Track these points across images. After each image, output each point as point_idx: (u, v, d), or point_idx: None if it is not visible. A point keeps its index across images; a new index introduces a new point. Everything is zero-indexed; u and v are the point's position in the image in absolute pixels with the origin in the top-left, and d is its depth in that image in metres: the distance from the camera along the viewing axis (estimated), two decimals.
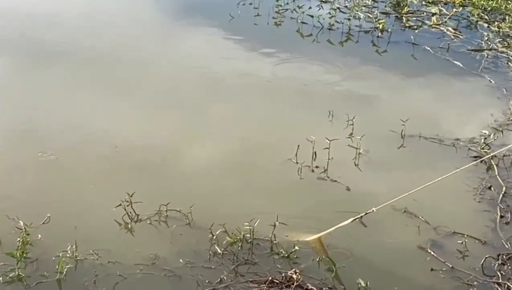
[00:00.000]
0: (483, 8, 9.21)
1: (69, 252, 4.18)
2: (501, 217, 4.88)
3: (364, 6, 9.24)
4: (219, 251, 4.37)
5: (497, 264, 4.41)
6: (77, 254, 4.20)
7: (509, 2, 9.37)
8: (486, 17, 9.00)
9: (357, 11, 8.90)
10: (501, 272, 4.34)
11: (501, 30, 8.51)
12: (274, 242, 4.51)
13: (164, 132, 5.93)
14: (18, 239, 4.20)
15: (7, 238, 4.32)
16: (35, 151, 5.53)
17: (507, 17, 8.93)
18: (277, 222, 4.48)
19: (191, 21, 8.68)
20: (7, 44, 7.67)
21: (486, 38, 8.27)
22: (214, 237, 4.43)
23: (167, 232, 4.61)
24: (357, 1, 9.28)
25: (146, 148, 5.62)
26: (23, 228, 4.26)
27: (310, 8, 9.01)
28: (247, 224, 4.46)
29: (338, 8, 9.10)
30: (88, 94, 6.54)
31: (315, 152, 5.48)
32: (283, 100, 6.76)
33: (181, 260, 4.28)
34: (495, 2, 9.24)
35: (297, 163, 5.45)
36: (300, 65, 7.46)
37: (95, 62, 7.33)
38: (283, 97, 6.80)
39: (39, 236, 4.37)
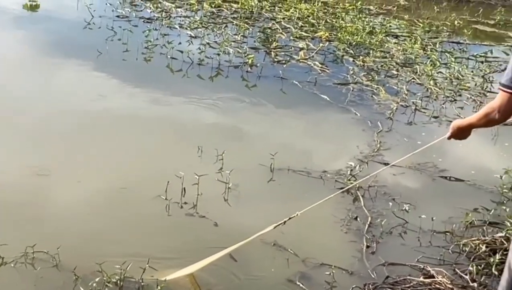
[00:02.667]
0: (348, 43, 9.56)
1: None
2: (367, 247, 4.99)
3: (234, 41, 9.38)
4: None
5: None
6: None
7: (373, 37, 9.76)
8: (351, 51, 9.34)
9: (227, 46, 8.99)
10: None
11: (365, 64, 8.84)
12: (142, 283, 4.44)
13: (33, 170, 5.72)
14: None
15: None
16: None
17: (371, 52, 9.31)
18: (146, 264, 4.43)
19: (58, 58, 8.54)
20: None
21: (351, 72, 8.57)
22: (79, 278, 4.32)
23: (32, 274, 4.42)
24: (227, 37, 9.41)
25: (13, 187, 5.41)
26: None
27: (180, 43, 9.07)
28: (119, 265, 4.39)
29: (208, 43, 9.18)
30: None
31: (184, 188, 5.45)
32: (152, 136, 6.71)
33: None
34: (359, 37, 9.61)
35: (166, 199, 5.40)
36: (170, 101, 7.45)
37: None
38: (152, 133, 6.76)
39: None
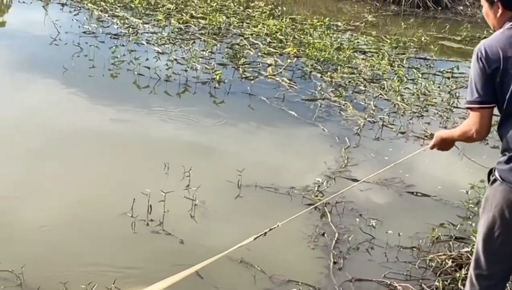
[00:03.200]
0: (316, 59, 9.62)
1: None
2: (334, 263, 5.02)
3: (202, 57, 9.40)
4: None
5: None
6: None
7: (341, 53, 9.83)
8: (319, 67, 9.40)
9: (194, 62, 9.02)
10: None
11: (333, 80, 8.90)
12: None
13: None
14: None
15: None
16: None
17: (339, 68, 9.37)
18: (112, 284, 4.45)
19: (23, 74, 8.50)
20: None
21: (319, 88, 8.61)
22: None
23: None
24: (194, 53, 9.42)
25: None
26: None
27: (147, 59, 9.08)
28: (84, 285, 4.40)
29: (175, 59, 9.18)
30: None
31: (150, 205, 5.47)
32: (119, 153, 6.71)
33: None
34: (327, 53, 9.68)
35: (132, 216, 5.40)
36: (137, 117, 7.43)
37: None
38: (119, 150, 6.75)
39: None
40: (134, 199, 5.49)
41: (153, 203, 5.51)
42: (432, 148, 4.22)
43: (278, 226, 4.58)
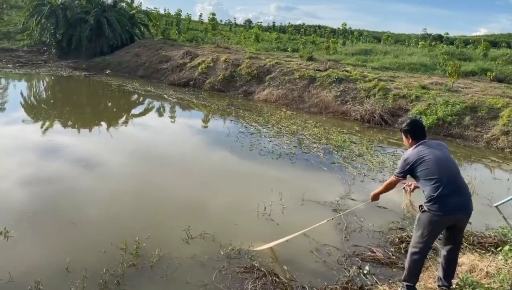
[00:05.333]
0: (334, 145, 9.24)
1: None
2: (345, 237, 4.79)
3: (286, 143, 9.20)
4: None
5: None
6: None
7: (345, 142, 9.39)
8: (336, 149, 9.04)
9: (283, 145, 8.82)
10: None
11: (342, 154, 8.55)
12: (248, 249, 4.33)
13: None
14: None
15: None
16: None
17: (344, 149, 8.95)
18: (250, 243, 4.40)
19: (213, 147, 8.58)
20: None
21: (336, 157, 8.29)
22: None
23: None
24: (283, 141, 9.25)
25: None
26: None
27: (264, 145, 8.98)
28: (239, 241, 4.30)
29: (276, 144, 9.05)
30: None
31: (265, 206, 5.40)
32: (251, 179, 6.56)
33: None
34: (338, 143, 9.25)
35: (257, 211, 5.32)
36: (259, 166, 7.34)
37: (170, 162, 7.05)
38: (252, 177, 6.61)
39: None
40: (258, 204, 5.39)
41: (272, 206, 5.33)
42: (372, 201, 3.85)
43: (332, 219, 4.45)
